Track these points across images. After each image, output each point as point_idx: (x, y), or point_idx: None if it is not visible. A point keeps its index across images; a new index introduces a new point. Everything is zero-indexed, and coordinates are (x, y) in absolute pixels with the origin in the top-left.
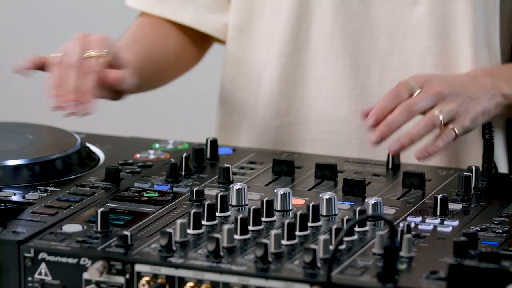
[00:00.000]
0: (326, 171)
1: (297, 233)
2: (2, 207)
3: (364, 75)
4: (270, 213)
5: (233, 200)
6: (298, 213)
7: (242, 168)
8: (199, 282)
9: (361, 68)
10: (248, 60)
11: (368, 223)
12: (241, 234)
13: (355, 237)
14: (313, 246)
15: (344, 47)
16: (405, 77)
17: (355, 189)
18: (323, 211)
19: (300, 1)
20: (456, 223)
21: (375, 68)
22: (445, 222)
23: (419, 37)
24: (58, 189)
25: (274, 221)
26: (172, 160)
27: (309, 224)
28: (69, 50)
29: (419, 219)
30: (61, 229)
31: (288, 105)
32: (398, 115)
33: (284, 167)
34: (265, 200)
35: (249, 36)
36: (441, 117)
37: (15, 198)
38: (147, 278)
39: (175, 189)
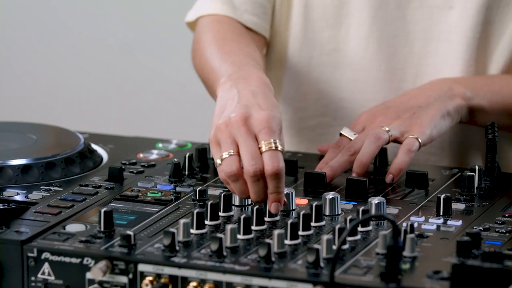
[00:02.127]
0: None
1: (300, 233)
2: (6, 206)
3: (399, 79)
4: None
5: (236, 200)
6: (302, 213)
7: None
8: (202, 282)
9: (396, 72)
10: (290, 59)
11: (371, 222)
12: (244, 234)
13: (358, 236)
14: (316, 246)
15: (380, 51)
16: None
17: (358, 189)
18: (326, 211)
19: (341, 2)
20: (459, 223)
21: (409, 72)
22: (448, 222)
23: (452, 41)
24: (61, 189)
25: (278, 221)
26: (175, 159)
27: (312, 224)
28: (240, 142)
29: (422, 219)
30: (64, 229)
31: (325, 105)
32: (339, 157)
33: (287, 167)
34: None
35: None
36: (387, 129)
37: (18, 197)
38: (150, 278)
39: (178, 188)
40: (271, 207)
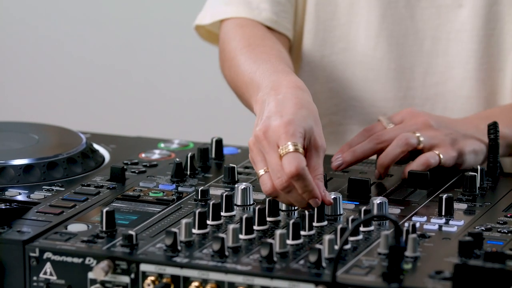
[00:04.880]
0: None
1: (303, 232)
2: (8, 206)
3: (408, 78)
4: (275, 213)
5: (238, 200)
6: (304, 213)
7: (247, 167)
8: (204, 281)
9: (406, 71)
10: (303, 58)
11: (373, 223)
12: (246, 233)
13: (360, 236)
14: (318, 245)
15: (389, 50)
16: (448, 80)
17: (360, 189)
18: (328, 211)
19: (351, 2)
20: (461, 223)
21: (419, 70)
22: (450, 222)
23: (463, 40)
24: (63, 189)
25: (279, 220)
26: (177, 159)
27: (314, 223)
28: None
29: (424, 218)
30: (66, 229)
31: (336, 104)
32: (364, 143)
33: None
34: (270, 199)
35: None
36: (418, 134)
37: (20, 197)
38: (152, 278)
39: (180, 188)
40: (310, 202)
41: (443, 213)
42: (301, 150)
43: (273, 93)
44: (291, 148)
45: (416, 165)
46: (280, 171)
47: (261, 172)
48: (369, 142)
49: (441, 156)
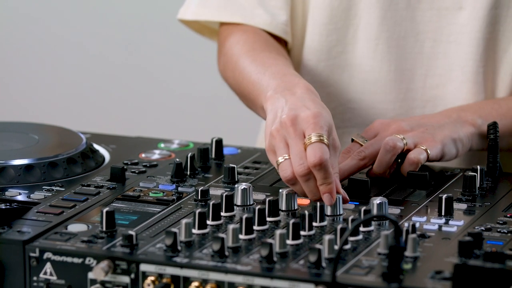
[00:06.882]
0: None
1: (302, 232)
2: (8, 206)
3: (408, 80)
4: (275, 213)
5: (238, 200)
6: (304, 213)
7: (247, 168)
8: (204, 281)
9: (406, 73)
10: (298, 62)
11: (373, 223)
12: (246, 234)
13: (360, 237)
14: (318, 246)
15: (389, 51)
16: (448, 82)
17: (360, 189)
18: (328, 211)
19: (349, 4)
20: (461, 223)
21: (419, 72)
22: (450, 222)
23: (462, 42)
24: (63, 189)
25: (279, 221)
26: (177, 160)
27: (314, 224)
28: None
29: (424, 219)
30: (66, 229)
31: (333, 108)
32: (348, 161)
33: None
34: (270, 200)
35: (299, 38)
36: (401, 136)
37: (20, 197)
38: (152, 278)
39: (180, 188)
40: (324, 198)
41: (442, 213)
42: (326, 141)
43: (288, 92)
44: (317, 138)
45: (407, 165)
46: (303, 158)
47: (281, 159)
48: (352, 159)
49: (428, 151)
